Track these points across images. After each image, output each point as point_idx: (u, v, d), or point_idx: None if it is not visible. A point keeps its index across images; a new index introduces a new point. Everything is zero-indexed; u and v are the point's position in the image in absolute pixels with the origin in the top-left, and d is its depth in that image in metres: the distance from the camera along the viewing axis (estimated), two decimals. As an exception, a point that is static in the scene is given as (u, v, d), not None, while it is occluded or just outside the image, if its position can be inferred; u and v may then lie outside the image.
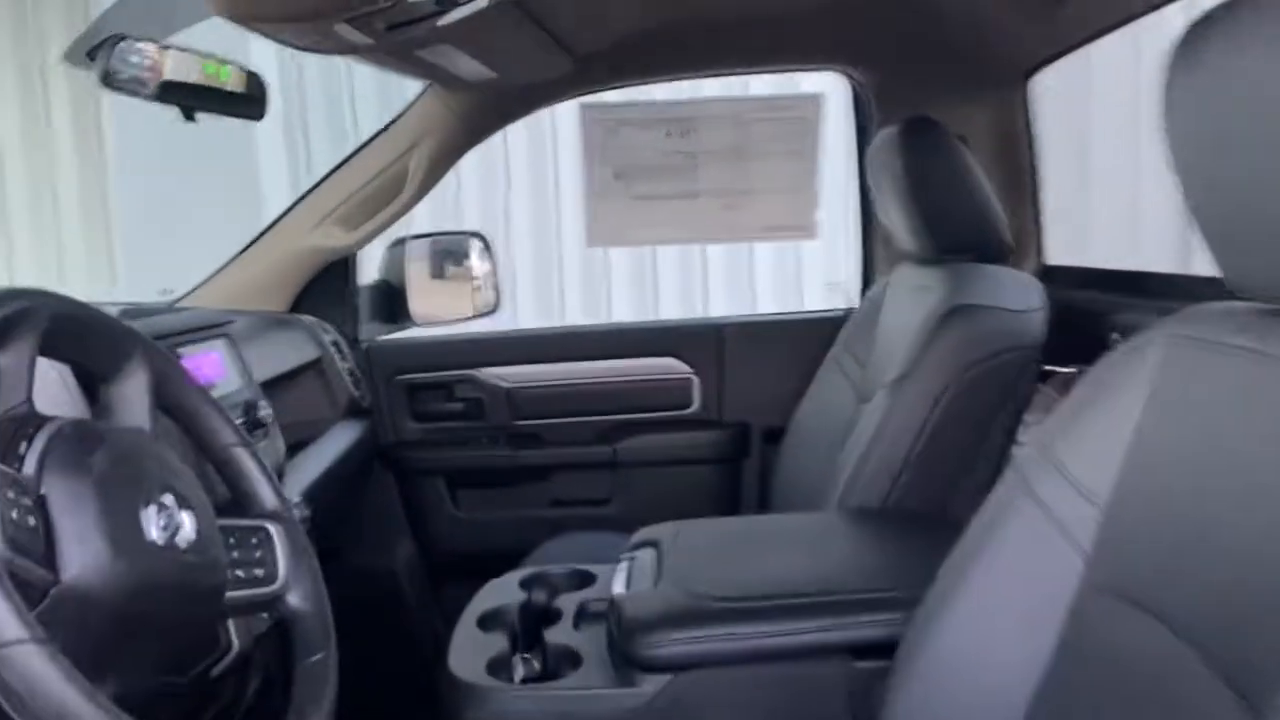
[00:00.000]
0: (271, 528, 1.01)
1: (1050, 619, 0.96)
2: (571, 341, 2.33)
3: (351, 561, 2.15)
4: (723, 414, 2.25)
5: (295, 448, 1.76)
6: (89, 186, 4.37)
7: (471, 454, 2.24)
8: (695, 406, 2.25)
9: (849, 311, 2.19)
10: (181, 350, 1.38)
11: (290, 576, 1.00)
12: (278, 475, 1.47)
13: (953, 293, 1.66)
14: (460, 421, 2.23)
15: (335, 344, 2.05)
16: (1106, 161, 3.73)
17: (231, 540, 0.96)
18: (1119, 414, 0.94)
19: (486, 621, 1.46)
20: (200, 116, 1.37)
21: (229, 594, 0.93)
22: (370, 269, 2.25)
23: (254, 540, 0.99)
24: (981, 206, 1.76)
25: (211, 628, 1.07)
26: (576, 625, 1.43)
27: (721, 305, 4.48)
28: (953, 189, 1.75)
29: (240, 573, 0.96)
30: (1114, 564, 0.92)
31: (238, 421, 1.38)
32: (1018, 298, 1.66)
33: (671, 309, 4.45)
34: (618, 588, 1.38)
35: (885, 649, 1.12)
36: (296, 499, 1.46)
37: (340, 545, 2.07)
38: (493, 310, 2.23)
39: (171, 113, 1.29)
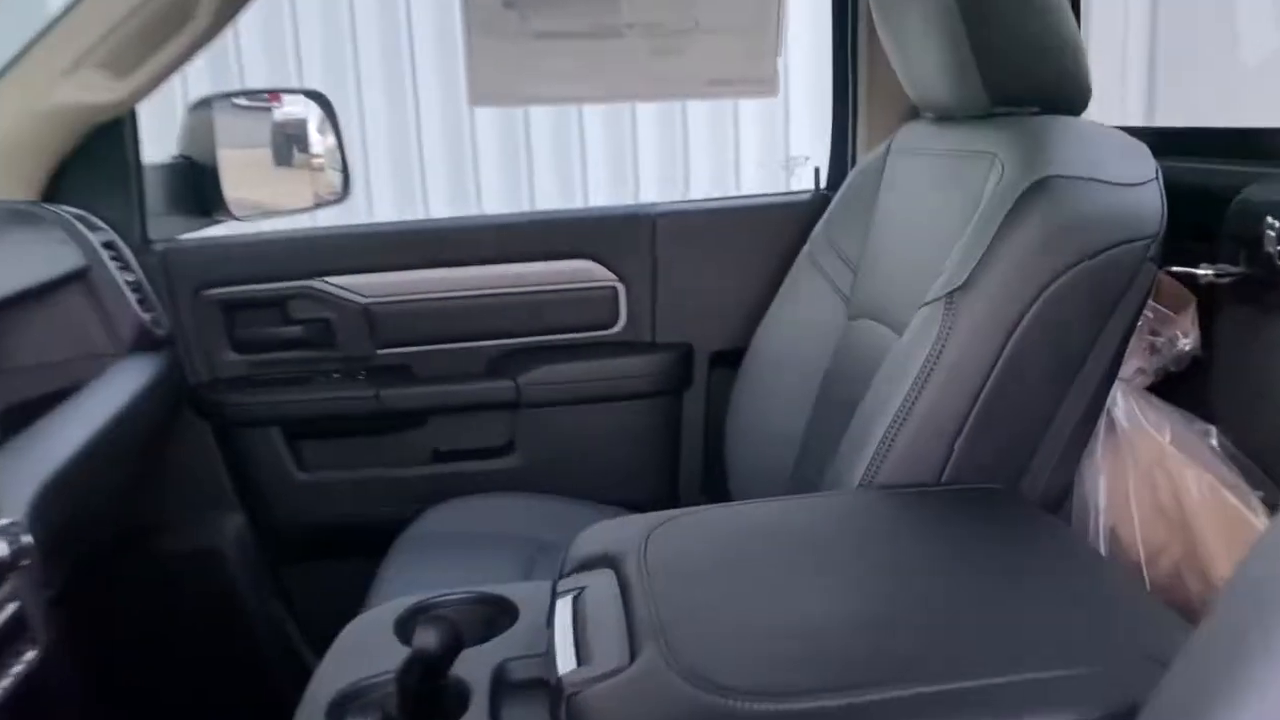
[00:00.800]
0: None
1: None
2: (452, 239, 1.77)
3: (156, 547, 1.67)
4: (657, 333, 1.77)
5: (49, 401, 1.26)
6: None
7: (317, 396, 1.71)
8: (621, 324, 1.76)
9: (825, 194, 1.69)
10: None
11: None
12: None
13: (1031, 159, 1.13)
14: (299, 351, 1.71)
15: (110, 246, 1.50)
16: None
17: None
18: None
19: (346, 706, 0.89)
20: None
21: None
22: (164, 141, 1.72)
23: None
24: (1061, 32, 1.23)
25: None
26: (495, 711, 0.88)
27: (604, 193, 3.96)
28: (1019, 4, 1.21)
29: None
30: None
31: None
32: (1125, 165, 1.15)
33: (548, 196, 3.89)
34: (565, 661, 0.81)
35: None
36: (10, 520, 0.90)
37: (138, 528, 1.63)
38: (340, 198, 1.78)
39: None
